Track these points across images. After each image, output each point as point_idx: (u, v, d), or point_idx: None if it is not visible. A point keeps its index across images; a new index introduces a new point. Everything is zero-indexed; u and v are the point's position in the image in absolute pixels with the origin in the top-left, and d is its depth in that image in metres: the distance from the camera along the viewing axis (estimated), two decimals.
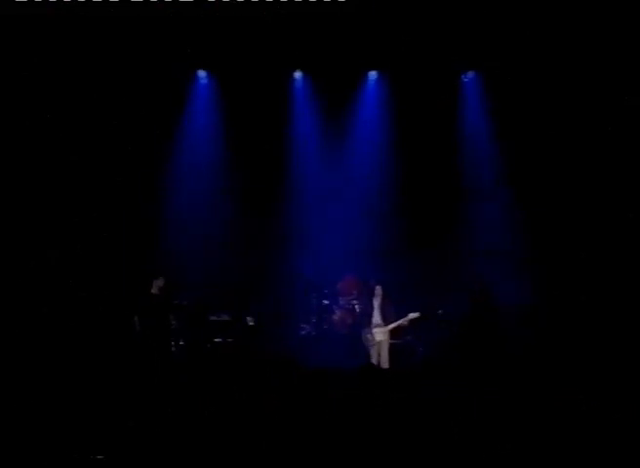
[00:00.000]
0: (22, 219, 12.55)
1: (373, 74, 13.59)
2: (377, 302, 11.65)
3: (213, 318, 12.76)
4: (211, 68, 13.37)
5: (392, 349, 11.63)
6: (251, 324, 12.82)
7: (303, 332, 13.26)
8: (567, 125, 12.79)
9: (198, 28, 11.95)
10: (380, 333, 11.52)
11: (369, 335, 11.56)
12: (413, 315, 11.42)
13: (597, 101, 12.58)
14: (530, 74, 12.85)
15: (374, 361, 11.44)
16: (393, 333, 11.64)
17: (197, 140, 13.58)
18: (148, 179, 13.08)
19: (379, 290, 11.65)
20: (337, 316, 13.28)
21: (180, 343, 12.20)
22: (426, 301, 12.17)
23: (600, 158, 12.64)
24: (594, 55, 12.31)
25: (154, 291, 11.36)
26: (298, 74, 13.58)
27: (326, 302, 13.42)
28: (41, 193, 12.71)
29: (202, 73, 13.49)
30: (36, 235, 12.55)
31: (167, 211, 13.23)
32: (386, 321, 11.52)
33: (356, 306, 13.18)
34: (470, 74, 13.48)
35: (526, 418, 7.69)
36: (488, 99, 13.39)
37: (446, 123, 13.36)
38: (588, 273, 12.52)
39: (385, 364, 11.49)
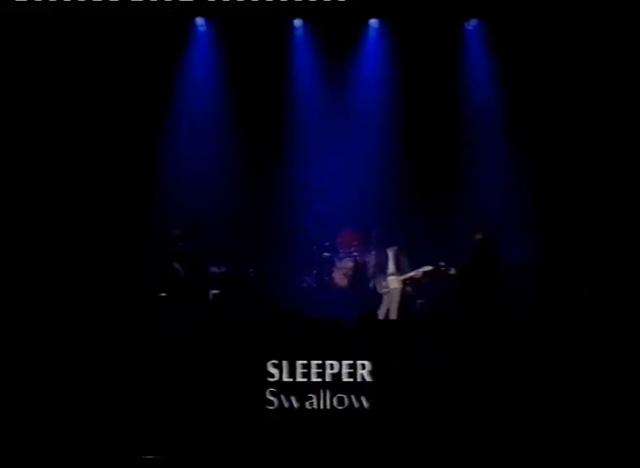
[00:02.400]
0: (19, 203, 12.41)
1: (374, 22, 13.34)
2: (392, 253, 11.92)
3: (213, 269, 12.72)
4: (209, 15, 13.08)
5: (403, 301, 11.84)
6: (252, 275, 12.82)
7: (305, 285, 13.30)
8: (575, 74, 12.60)
9: None
10: (394, 281, 11.79)
11: (383, 282, 11.82)
12: (426, 268, 11.72)
13: (609, 52, 12.39)
14: (534, 24, 12.61)
15: (383, 309, 11.68)
16: (406, 284, 11.85)
17: (196, 90, 13.33)
18: (147, 134, 12.91)
19: None
20: (338, 270, 13.27)
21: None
22: (428, 254, 12.14)
23: (609, 110, 12.48)
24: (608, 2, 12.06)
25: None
26: (298, 22, 13.32)
27: (327, 255, 13.43)
28: (37, 171, 12.54)
29: (200, 21, 13.23)
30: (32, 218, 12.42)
31: (167, 164, 13.05)
32: (401, 271, 11.81)
33: (358, 258, 13.23)
34: (473, 22, 13.25)
35: (524, 380, 7.70)
36: (491, 48, 13.19)
37: (449, 72, 13.18)
38: (593, 229, 12.43)
39: (394, 314, 11.67)
